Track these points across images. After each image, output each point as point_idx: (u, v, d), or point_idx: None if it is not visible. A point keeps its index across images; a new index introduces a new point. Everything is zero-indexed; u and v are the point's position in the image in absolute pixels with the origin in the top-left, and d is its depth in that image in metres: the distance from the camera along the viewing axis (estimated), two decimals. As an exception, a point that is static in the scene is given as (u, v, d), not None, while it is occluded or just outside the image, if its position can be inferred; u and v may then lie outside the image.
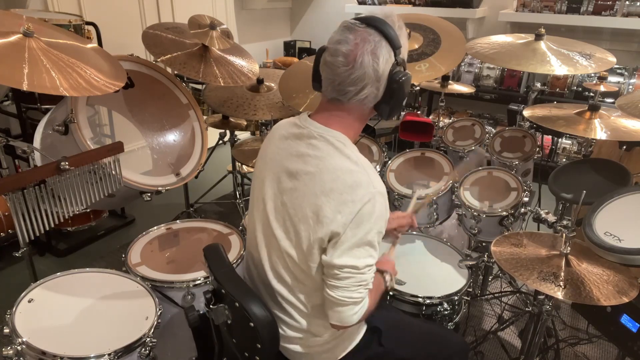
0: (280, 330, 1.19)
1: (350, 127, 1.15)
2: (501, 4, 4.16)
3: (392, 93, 1.10)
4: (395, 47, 1.07)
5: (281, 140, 1.19)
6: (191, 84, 3.16)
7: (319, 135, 1.12)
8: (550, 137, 3.76)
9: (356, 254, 1.07)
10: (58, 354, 1.21)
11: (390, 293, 1.29)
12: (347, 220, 1.05)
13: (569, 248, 1.40)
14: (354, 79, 1.07)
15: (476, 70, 4.08)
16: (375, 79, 1.07)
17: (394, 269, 1.36)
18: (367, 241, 1.07)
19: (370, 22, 1.07)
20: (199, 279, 1.59)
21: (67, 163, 1.57)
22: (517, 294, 2.46)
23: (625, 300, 1.24)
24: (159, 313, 1.40)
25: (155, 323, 1.37)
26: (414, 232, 2.05)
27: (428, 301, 1.61)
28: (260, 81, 2.61)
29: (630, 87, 3.54)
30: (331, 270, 1.08)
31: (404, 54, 1.11)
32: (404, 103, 1.15)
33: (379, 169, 2.10)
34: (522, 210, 1.92)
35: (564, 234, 1.41)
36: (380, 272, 1.28)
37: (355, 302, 1.11)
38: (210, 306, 1.20)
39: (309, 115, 1.18)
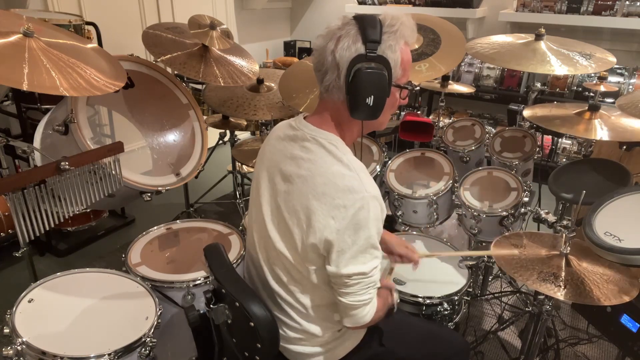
0: (280, 331, 1.19)
1: (340, 127, 1.14)
2: (501, 4, 4.16)
3: (351, 85, 1.06)
4: (367, 39, 1.04)
5: (277, 141, 1.20)
6: (191, 84, 3.15)
7: (312, 137, 1.12)
8: (550, 137, 3.75)
9: (361, 259, 1.07)
10: (58, 354, 1.21)
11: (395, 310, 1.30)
12: (340, 226, 1.04)
13: (569, 248, 1.40)
14: (317, 64, 1.10)
15: (476, 70, 4.08)
16: (333, 65, 1.07)
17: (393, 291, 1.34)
18: (369, 245, 1.07)
19: (356, 16, 1.08)
20: (199, 279, 1.59)
21: (67, 163, 1.57)
22: (517, 294, 2.46)
23: (626, 300, 1.24)
24: (159, 313, 1.40)
25: (155, 323, 1.36)
26: (414, 232, 2.05)
27: (428, 301, 1.61)
28: (260, 81, 2.61)
29: (630, 87, 3.54)
30: (340, 279, 1.08)
31: (390, 54, 1.06)
32: (371, 102, 1.06)
33: (379, 169, 2.10)
34: (522, 210, 1.92)
35: (564, 234, 1.41)
36: (387, 289, 1.28)
37: (366, 304, 1.13)
38: (211, 306, 1.20)
39: (304, 117, 1.18)
